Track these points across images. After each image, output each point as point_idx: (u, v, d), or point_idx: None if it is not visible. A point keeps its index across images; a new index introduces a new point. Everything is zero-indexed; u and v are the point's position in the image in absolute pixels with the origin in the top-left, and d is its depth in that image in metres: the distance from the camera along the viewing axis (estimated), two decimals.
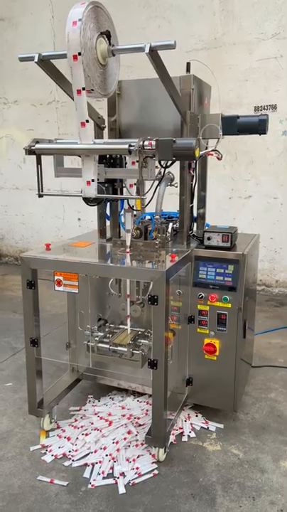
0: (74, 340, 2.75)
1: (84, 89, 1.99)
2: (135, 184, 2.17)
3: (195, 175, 2.52)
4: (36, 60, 2.12)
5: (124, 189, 2.37)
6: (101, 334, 2.48)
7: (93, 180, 2.11)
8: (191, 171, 2.45)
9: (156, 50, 1.89)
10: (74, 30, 1.90)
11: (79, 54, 1.93)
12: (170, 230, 2.54)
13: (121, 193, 2.39)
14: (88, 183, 2.12)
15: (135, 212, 2.57)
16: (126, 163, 2.32)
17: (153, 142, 1.98)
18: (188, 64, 2.41)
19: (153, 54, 1.90)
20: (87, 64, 1.98)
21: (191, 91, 2.33)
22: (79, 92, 1.99)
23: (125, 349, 2.33)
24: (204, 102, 2.59)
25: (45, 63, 2.17)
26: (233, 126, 2.42)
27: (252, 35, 4.41)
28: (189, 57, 4.16)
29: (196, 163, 2.52)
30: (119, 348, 2.35)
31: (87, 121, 2.03)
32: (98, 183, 2.16)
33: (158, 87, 2.18)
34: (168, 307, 2.07)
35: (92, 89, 2.07)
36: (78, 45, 1.92)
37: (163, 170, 2.41)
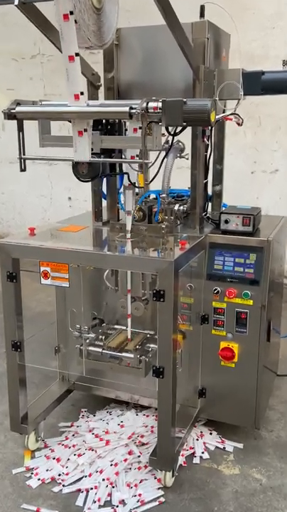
0: (64, 344, 2.76)
1: (77, 54, 1.96)
2: (137, 156, 2.15)
3: (209, 144, 2.50)
4: (17, 2, 2.09)
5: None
6: (97, 336, 2.48)
7: (90, 164, 2.11)
8: (205, 140, 2.43)
9: None
10: None
11: (71, 13, 1.90)
12: (179, 211, 2.53)
13: (120, 167, 2.37)
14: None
15: (137, 190, 2.56)
16: (126, 130, 2.29)
17: (159, 104, 1.96)
18: (202, 7, 2.36)
19: None
20: (79, 10, 1.95)
21: (205, 40, 2.29)
22: (71, 58, 1.96)
23: (127, 355, 2.34)
24: (221, 54, 2.55)
25: (28, 7, 2.13)
26: (256, 84, 2.38)
27: None
28: None
29: (211, 129, 2.49)
30: (119, 354, 2.36)
31: (82, 93, 2.02)
32: (92, 154, 2.15)
33: (164, 35, 2.14)
34: (176, 304, 2.07)
35: (90, 46, 2.04)
36: (69, 2, 1.88)
37: (170, 138, 2.38)
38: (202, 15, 2.36)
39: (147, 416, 2.72)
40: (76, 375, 2.78)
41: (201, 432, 2.61)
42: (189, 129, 2.35)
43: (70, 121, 2.12)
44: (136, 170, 2.25)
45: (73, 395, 2.90)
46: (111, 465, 2.36)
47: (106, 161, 2.22)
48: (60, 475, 2.34)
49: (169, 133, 2.29)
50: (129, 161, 2.16)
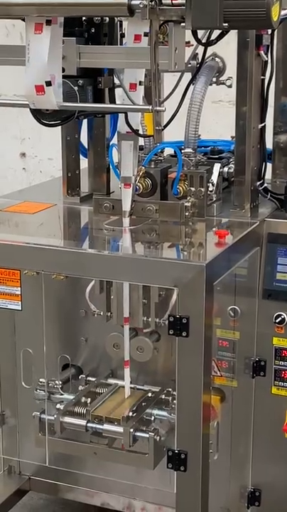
0: (11, 410, 2.78)
1: None
2: (141, 84, 2.15)
3: (269, 61, 2.50)
4: None
5: (119, 91, 2.36)
6: (71, 397, 2.49)
7: (49, 84, 2.10)
8: (262, 53, 2.43)
9: None
10: None
11: None
12: (216, 178, 2.54)
13: (113, 100, 2.37)
14: (39, 89, 2.12)
15: (142, 142, 2.55)
16: (123, 37, 2.29)
17: None
18: None
19: None
20: None
21: None
22: None
23: (120, 429, 2.34)
24: None
25: None
26: None
27: None
28: None
29: (272, 35, 2.49)
30: (107, 427, 2.36)
31: None
32: (65, 77, 2.15)
33: None
34: (210, 341, 2.08)
35: None
36: None
37: (201, 50, 2.38)
38: None
39: None
40: (34, 464, 2.79)
41: None
42: (233, 36, 2.34)
43: (24, 20, 2.12)
44: (139, 107, 2.25)
45: (28, 499, 2.91)
46: None
47: (89, 107, 2.20)
48: None
49: (199, 41, 2.29)
50: (130, 108, 2.15)
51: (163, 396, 2.48)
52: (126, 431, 2.32)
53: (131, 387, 2.48)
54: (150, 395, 2.48)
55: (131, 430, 2.32)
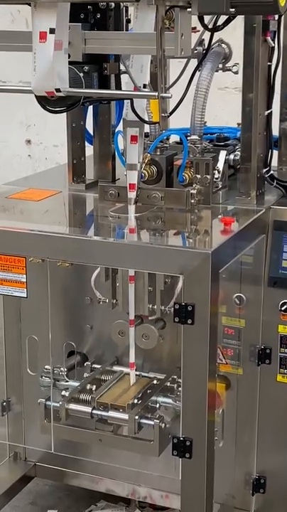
0: (17, 397, 2.79)
1: None
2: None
3: (276, 47, 2.48)
4: None
5: (124, 78, 2.34)
6: (76, 384, 2.49)
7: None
8: (268, 39, 2.42)
9: None
10: None
11: None
12: (222, 165, 2.53)
13: (118, 86, 2.36)
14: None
15: (147, 129, 2.54)
16: (128, 22, 2.28)
17: None
18: None
19: None
20: None
21: None
22: None
23: (125, 416, 2.34)
24: None
25: None
26: None
27: None
28: None
29: (279, 21, 2.47)
30: (113, 414, 2.37)
31: None
32: (70, 64, 2.14)
33: None
34: (215, 329, 2.07)
35: None
36: None
37: (207, 36, 2.37)
38: None
39: None
40: (39, 451, 2.79)
41: None
42: (239, 21, 2.33)
43: (29, 4, 2.11)
44: (145, 93, 2.23)
45: (34, 485, 2.91)
46: None
47: (95, 93, 2.19)
48: None
49: (205, 27, 2.28)
50: (136, 95, 2.14)
51: (169, 383, 2.48)
52: (131, 418, 2.31)
53: (136, 374, 2.48)
54: (155, 382, 2.48)
55: (136, 417, 2.32)
